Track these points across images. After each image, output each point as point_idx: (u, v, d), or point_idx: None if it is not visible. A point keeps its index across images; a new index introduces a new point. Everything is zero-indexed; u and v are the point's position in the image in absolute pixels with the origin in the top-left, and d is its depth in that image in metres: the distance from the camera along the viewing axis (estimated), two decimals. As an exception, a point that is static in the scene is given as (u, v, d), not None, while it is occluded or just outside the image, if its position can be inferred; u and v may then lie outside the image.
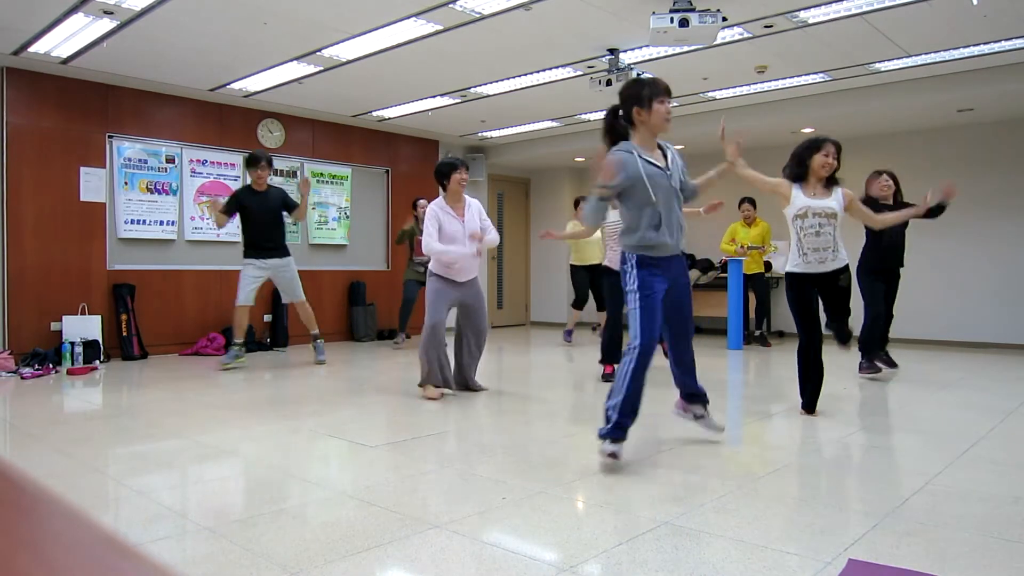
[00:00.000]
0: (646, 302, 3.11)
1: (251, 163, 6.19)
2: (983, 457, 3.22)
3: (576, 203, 8.09)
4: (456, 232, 4.67)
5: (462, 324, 4.90)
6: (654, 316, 3.12)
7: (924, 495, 2.65)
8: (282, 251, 6.19)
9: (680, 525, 2.34)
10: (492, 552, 2.13)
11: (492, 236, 4.84)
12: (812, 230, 4.03)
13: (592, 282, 7.72)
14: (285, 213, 6.24)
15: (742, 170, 3.81)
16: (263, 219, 6.10)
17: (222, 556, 2.08)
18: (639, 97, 3.13)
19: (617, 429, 3.05)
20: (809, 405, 4.14)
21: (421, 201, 7.67)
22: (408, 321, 8.01)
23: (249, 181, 6.26)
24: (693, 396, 3.51)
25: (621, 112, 3.23)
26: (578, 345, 8.02)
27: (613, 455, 3.04)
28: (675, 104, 7.29)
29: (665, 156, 3.24)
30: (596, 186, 3.19)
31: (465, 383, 4.92)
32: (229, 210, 6.10)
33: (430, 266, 4.80)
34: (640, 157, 3.12)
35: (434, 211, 4.71)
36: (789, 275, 4.15)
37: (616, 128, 3.27)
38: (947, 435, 3.67)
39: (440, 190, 4.82)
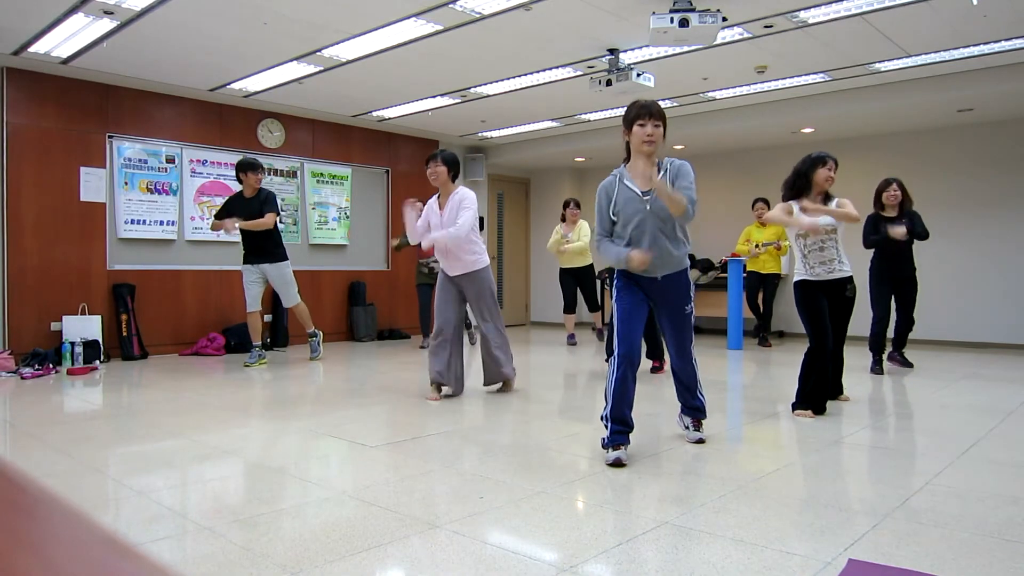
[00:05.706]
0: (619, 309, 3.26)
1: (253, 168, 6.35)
2: (983, 457, 3.22)
3: (566, 205, 7.80)
4: (435, 225, 4.66)
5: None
6: (624, 323, 3.24)
7: (924, 495, 2.65)
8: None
9: (680, 525, 2.34)
10: (492, 552, 2.13)
11: (434, 234, 4.53)
12: (816, 247, 4.17)
13: (580, 285, 7.89)
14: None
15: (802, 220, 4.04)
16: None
17: (222, 556, 2.08)
18: (625, 119, 3.21)
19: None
20: (818, 405, 4.13)
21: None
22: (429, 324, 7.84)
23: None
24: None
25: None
26: (583, 344, 8.01)
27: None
28: (675, 104, 7.35)
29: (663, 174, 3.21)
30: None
31: (490, 379, 4.92)
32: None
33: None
34: (621, 181, 3.21)
35: (429, 202, 4.78)
36: (799, 283, 4.22)
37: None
38: (947, 435, 3.67)
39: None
